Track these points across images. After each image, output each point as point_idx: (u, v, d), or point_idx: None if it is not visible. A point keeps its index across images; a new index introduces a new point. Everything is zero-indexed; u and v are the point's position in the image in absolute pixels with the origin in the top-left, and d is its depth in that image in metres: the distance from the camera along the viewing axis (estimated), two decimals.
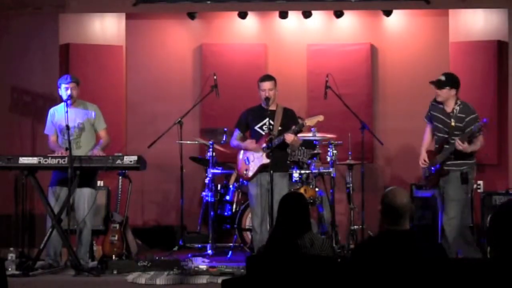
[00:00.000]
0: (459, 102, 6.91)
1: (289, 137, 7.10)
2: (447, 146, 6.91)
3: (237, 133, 7.45)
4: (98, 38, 9.10)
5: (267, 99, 7.21)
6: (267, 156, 7.09)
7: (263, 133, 7.24)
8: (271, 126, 7.18)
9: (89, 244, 7.45)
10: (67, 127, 6.93)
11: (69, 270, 7.01)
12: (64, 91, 7.21)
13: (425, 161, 7.07)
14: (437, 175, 6.94)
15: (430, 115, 7.15)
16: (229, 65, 9.35)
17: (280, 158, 7.20)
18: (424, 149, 7.14)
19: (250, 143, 7.29)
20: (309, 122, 7.33)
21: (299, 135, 7.32)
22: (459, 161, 6.86)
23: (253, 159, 7.28)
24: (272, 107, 7.31)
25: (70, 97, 7.16)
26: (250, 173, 7.28)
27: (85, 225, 7.19)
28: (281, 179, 7.19)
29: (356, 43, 9.43)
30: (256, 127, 7.31)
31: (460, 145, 6.75)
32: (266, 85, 7.25)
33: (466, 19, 9.00)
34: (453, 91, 6.92)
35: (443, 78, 6.96)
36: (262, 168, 7.20)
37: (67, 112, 7.01)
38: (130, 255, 7.62)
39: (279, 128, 7.23)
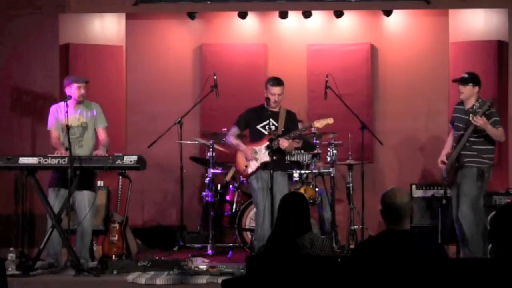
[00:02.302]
0: (480, 100, 6.98)
1: (283, 144, 7.12)
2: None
3: (235, 130, 7.44)
4: (98, 38, 9.10)
5: (276, 102, 7.24)
6: (269, 155, 7.10)
7: (266, 133, 7.25)
8: (273, 127, 7.21)
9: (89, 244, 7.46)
10: (67, 127, 6.93)
11: (69, 270, 7.00)
12: (75, 90, 7.22)
13: (443, 162, 7.12)
14: (455, 168, 6.99)
15: (453, 118, 7.25)
16: (229, 65, 9.35)
17: (279, 157, 7.21)
18: (444, 151, 7.23)
19: (246, 150, 7.28)
20: (317, 124, 7.32)
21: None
22: (477, 159, 6.93)
23: None
24: (275, 109, 7.32)
25: (82, 96, 7.23)
26: (250, 170, 7.28)
27: (87, 225, 7.20)
28: (282, 178, 7.23)
29: (356, 43, 9.43)
30: (259, 127, 7.32)
31: (479, 120, 6.79)
32: (278, 90, 7.26)
33: (466, 19, 9.00)
34: (476, 89, 7.04)
35: (466, 75, 7.10)
36: (263, 166, 7.21)
37: (66, 112, 7.00)
38: (130, 255, 7.62)
39: (283, 129, 7.26)
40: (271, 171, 6.93)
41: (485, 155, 6.97)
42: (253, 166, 7.28)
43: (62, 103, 7.23)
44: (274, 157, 7.02)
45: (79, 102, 7.26)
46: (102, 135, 7.38)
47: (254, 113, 7.39)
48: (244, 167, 7.33)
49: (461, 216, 6.95)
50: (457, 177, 7.02)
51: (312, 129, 8.00)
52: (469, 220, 6.92)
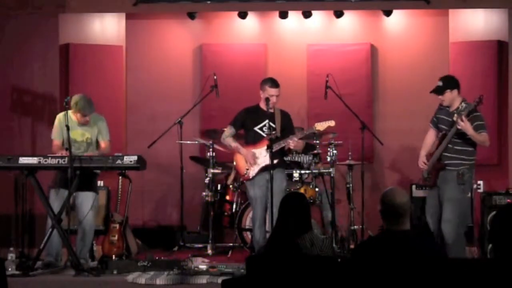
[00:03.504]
0: (463, 103, 6.84)
1: (293, 143, 7.16)
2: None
3: (231, 131, 7.45)
4: (98, 38, 9.10)
5: (273, 104, 7.25)
6: (270, 157, 7.10)
7: (264, 135, 7.24)
8: (271, 129, 7.21)
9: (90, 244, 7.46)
10: (67, 127, 6.93)
11: (69, 270, 7.00)
12: (81, 117, 7.21)
13: (424, 163, 7.03)
14: (435, 170, 6.91)
15: (436, 119, 7.06)
16: (229, 65, 9.34)
17: (277, 156, 7.22)
18: (423, 152, 7.06)
19: (247, 154, 7.29)
20: (319, 126, 7.36)
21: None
22: (457, 161, 6.81)
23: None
24: (271, 110, 7.32)
25: (83, 122, 7.23)
26: (251, 174, 7.28)
27: (88, 225, 7.21)
28: (280, 174, 7.24)
29: (356, 43, 9.43)
30: (256, 128, 7.32)
31: (461, 122, 6.63)
32: (276, 91, 7.28)
33: (466, 19, 9.00)
34: (454, 92, 6.86)
35: (440, 83, 6.92)
36: (263, 169, 7.21)
37: (67, 112, 7.01)
38: (130, 255, 7.63)
39: (280, 130, 7.26)
40: (272, 171, 6.92)
41: (464, 157, 6.80)
42: (254, 169, 7.28)
43: (66, 112, 7.19)
44: (275, 160, 7.00)
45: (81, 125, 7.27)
46: (103, 145, 7.37)
47: (250, 114, 7.38)
48: (246, 170, 7.32)
49: (444, 221, 6.76)
50: (438, 179, 6.88)
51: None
52: (453, 225, 6.74)
